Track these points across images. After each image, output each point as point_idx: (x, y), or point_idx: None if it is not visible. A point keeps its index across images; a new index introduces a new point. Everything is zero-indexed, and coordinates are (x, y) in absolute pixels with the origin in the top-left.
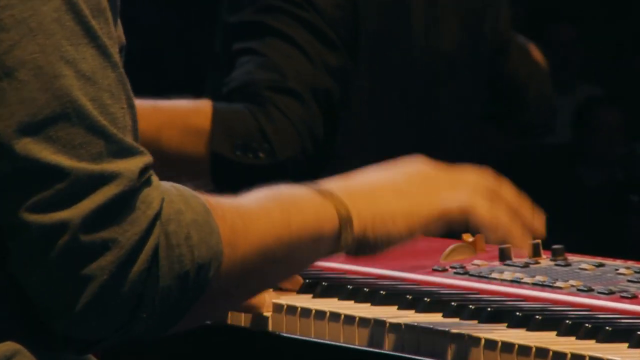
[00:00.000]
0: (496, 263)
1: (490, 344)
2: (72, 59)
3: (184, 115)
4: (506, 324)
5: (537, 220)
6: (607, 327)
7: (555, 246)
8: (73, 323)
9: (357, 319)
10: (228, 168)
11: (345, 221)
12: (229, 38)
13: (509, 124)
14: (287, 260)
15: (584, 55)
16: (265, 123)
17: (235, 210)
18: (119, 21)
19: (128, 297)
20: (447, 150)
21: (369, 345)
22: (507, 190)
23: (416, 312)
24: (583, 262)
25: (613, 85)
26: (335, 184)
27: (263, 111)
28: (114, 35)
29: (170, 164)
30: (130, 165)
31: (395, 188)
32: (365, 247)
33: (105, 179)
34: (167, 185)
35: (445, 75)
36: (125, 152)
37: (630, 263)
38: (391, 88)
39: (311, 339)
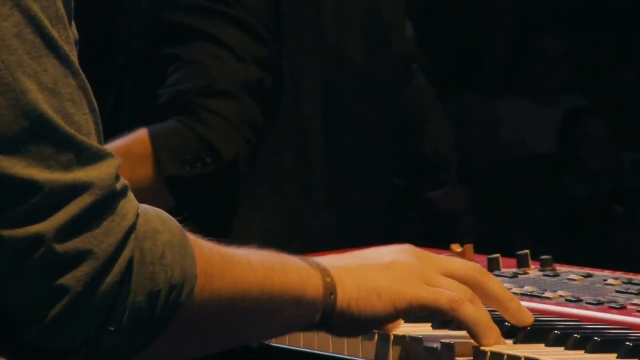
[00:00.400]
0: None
1: (480, 355)
2: (35, 73)
3: (126, 150)
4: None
5: (525, 314)
6: (596, 338)
7: (543, 257)
8: (44, 333)
9: None
10: (185, 185)
11: (329, 290)
12: (153, 38)
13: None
14: (266, 314)
15: (570, 65)
16: (203, 130)
17: (216, 249)
18: (72, 15)
19: (99, 308)
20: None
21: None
22: (494, 284)
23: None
24: (571, 273)
25: (599, 95)
26: (324, 259)
27: (197, 119)
28: (72, 39)
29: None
30: (102, 173)
31: (382, 267)
32: (349, 321)
33: (78, 189)
34: (145, 206)
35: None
36: (94, 157)
37: (618, 274)
38: (310, 76)
39: None
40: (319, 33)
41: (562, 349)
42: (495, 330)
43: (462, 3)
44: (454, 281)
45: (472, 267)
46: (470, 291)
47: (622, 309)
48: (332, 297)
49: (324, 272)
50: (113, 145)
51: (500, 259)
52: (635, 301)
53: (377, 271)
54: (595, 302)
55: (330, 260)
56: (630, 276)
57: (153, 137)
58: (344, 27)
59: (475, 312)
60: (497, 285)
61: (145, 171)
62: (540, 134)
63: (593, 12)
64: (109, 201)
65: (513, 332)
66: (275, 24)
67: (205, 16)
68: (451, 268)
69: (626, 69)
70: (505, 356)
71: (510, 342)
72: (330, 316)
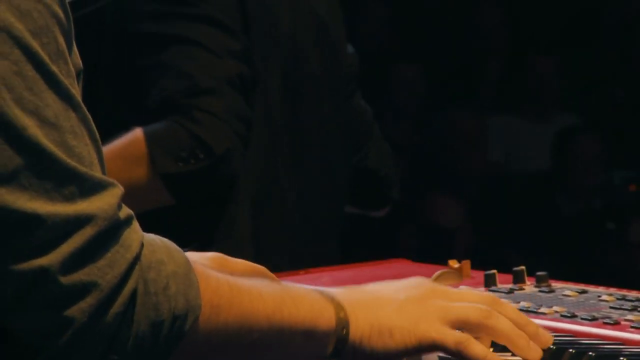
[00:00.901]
0: (482, 289)
1: None
2: (35, 108)
3: (122, 150)
4: (492, 349)
5: (543, 336)
6: (591, 353)
7: (539, 273)
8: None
9: None
10: (180, 182)
11: (342, 325)
12: (123, 51)
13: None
14: (274, 346)
15: (563, 85)
16: (193, 127)
17: (225, 280)
18: (74, 47)
19: (103, 338)
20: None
21: None
22: (509, 311)
23: None
24: (566, 289)
25: (591, 114)
26: (338, 291)
27: (188, 118)
28: (72, 72)
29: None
30: (104, 203)
31: (396, 304)
32: (361, 355)
33: (81, 221)
34: (151, 235)
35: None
36: (96, 187)
37: (612, 290)
38: (274, 69)
39: None
40: (279, 34)
41: None
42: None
43: (459, 24)
44: (466, 306)
45: (487, 295)
46: (485, 309)
47: (616, 324)
48: (345, 332)
49: (338, 306)
50: (108, 147)
51: (497, 275)
52: (629, 317)
53: (391, 308)
54: (589, 318)
55: (346, 293)
56: (624, 292)
57: (147, 136)
58: (300, 31)
59: (482, 350)
60: (513, 310)
61: (141, 170)
62: (533, 151)
63: (585, 33)
64: (112, 231)
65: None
66: (242, 17)
67: (171, 20)
68: (466, 296)
69: (616, 89)
70: None
71: (508, 354)
72: (342, 350)
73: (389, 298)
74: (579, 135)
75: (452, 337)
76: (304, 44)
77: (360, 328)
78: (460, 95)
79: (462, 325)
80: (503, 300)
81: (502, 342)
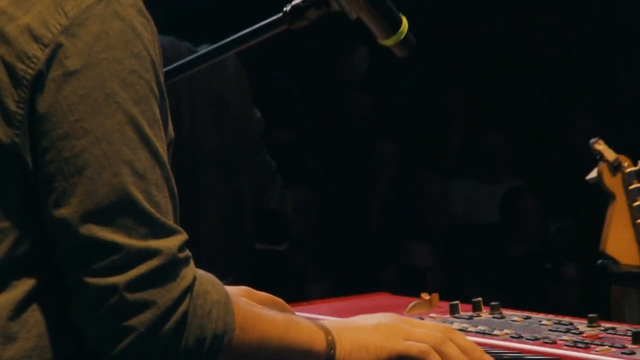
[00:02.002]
0: (447, 316)
1: None
2: (129, 160)
3: None
4: None
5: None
6: None
7: (492, 303)
8: None
9: None
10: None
11: (330, 346)
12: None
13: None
14: (283, 357)
15: (510, 154)
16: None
17: (250, 309)
18: (169, 120)
19: (157, 347)
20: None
21: None
22: (459, 339)
23: None
24: (514, 315)
25: (532, 178)
26: (327, 321)
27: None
28: (164, 138)
29: None
30: (170, 243)
31: (370, 327)
32: None
33: (150, 254)
34: (201, 271)
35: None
36: (166, 232)
37: (550, 316)
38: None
39: None
40: (179, 115)
41: None
42: None
43: (428, 106)
44: (427, 332)
45: (442, 325)
46: (441, 337)
47: (553, 343)
48: (332, 351)
49: (327, 332)
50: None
51: (459, 305)
52: (564, 337)
53: (366, 331)
54: (532, 338)
55: (333, 322)
56: (559, 318)
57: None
58: (198, 110)
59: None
60: (463, 339)
61: None
62: (487, 207)
63: (527, 112)
64: (172, 266)
65: None
66: None
67: None
68: (426, 325)
69: (552, 158)
70: None
71: None
72: None
73: (365, 324)
74: (522, 195)
75: (415, 348)
76: (202, 120)
77: (344, 347)
78: (428, 162)
79: None
80: (456, 330)
81: None
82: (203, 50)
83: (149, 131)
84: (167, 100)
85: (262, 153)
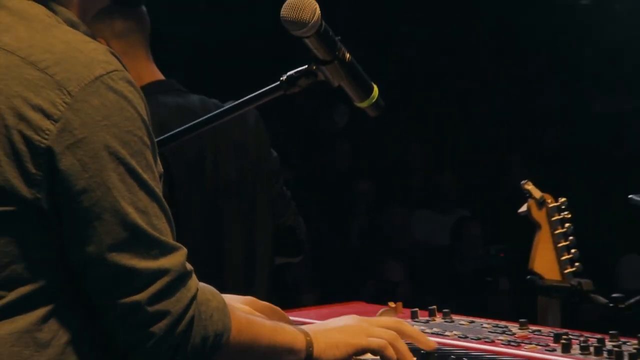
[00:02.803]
0: (409, 320)
1: None
2: (132, 202)
3: None
4: (415, 358)
5: (429, 342)
6: None
7: (444, 310)
8: (140, 359)
9: None
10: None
11: (309, 345)
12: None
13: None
14: (271, 354)
15: (459, 191)
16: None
17: (244, 316)
18: (158, 159)
19: (172, 346)
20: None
21: None
22: (407, 327)
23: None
24: (462, 320)
25: (476, 210)
26: (306, 326)
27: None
28: (157, 176)
29: None
30: (176, 261)
31: (338, 329)
32: None
33: (162, 272)
34: (203, 284)
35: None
36: (170, 249)
37: (490, 321)
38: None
39: None
40: (204, 159)
41: None
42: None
43: (393, 156)
44: (384, 330)
45: (393, 319)
46: (395, 334)
47: (492, 342)
48: (310, 349)
49: (306, 334)
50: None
51: (419, 311)
52: (500, 337)
53: (336, 332)
54: (476, 338)
55: (310, 327)
56: (497, 322)
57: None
58: (221, 153)
59: (392, 354)
60: (409, 327)
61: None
62: (441, 232)
63: (475, 159)
64: (180, 279)
65: (426, 357)
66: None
67: None
68: (381, 322)
69: (493, 194)
70: None
71: None
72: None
73: (334, 326)
74: (468, 223)
75: (375, 343)
76: (225, 161)
77: (320, 346)
78: (395, 197)
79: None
80: (403, 321)
81: (408, 339)
82: (220, 109)
83: (144, 176)
84: (155, 142)
85: (279, 184)
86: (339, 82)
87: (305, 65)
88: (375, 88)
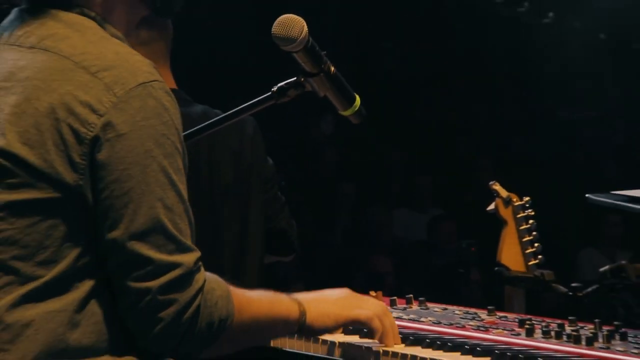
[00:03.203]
0: (389, 308)
1: (380, 353)
2: (161, 197)
3: None
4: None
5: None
6: (449, 343)
7: (420, 298)
8: (150, 343)
9: None
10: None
11: (302, 314)
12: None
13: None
14: (269, 327)
15: (434, 192)
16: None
17: (243, 294)
18: (186, 165)
19: (180, 331)
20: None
21: None
22: (388, 317)
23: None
24: (436, 307)
25: (450, 209)
26: (300, 295)
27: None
28: (185, 180)
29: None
30: (188, 259)
31: (331, 300)
32: (314, 330)
33: (174, 266)
34: (209, 273)
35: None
36: (186, 249)
37: (461, 308)
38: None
39: None
40: (199, 162)
41: (430, 349)
42: (395, 338)
43: (374, 157)
44: (372, 304)
45: (381, 303)
46: (383, 308)
47: (463, 327)
48: (303, 318)
49: (299, 304)
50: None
51: (397, 299)
52: (470, 323)
53: (328, 303)
54: (448, 324)
55: (303, 296)
56: (468, 309)
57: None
58: (216, 158)
59: (380, 325)
60: (392, 322)
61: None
62: (418, 229)
63: (448, 163)
64: (189, 275)
65: (404, 340)
66: None
67: None
68: (370, 300)
69: (464, 194)
70: (399, 354)
71: (402, 345)
72: (302, 328)
73: (327, 297)
74: (442, 220)
75: (363, 315)
76: (220, 165)
77: (312, 315)
78: (377, 198)
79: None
80: (389, 310)
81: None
82: (216, 117)
83: (175, 177)
84: (186, 150)
85: (274, 189)
86: (325, 93)
87: (294, 77)
88: (358, 98)
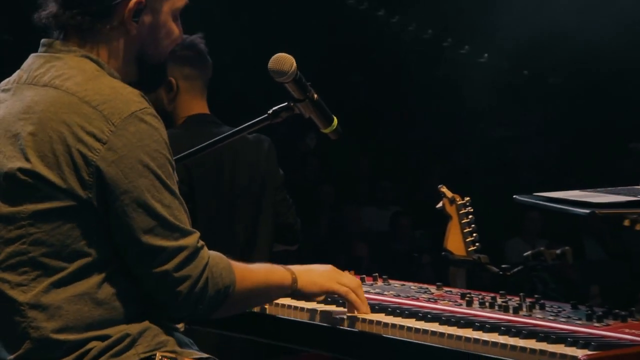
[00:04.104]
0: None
1: (355, 318)
2: (159, 199)
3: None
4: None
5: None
6: (406, 312)
7: (384, 276)
8: (173, 311)
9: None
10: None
11: (294, 281)
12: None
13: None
14: (266, 291)
15: (395, 193)
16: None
17: (244, 267)
18: (175, 170)
19: (194, 300)
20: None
21: None
22: (361, 291)
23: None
24: (396, 284)
25: (407, 206)
26: (294, 267)
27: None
28: (175, 181)
29: None
30: (191, 240)
31: (318, 272)
32: (303, 294)
33: (182, 248)
34: (212, 251)
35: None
36: (187, 233)
37: (416, 284)
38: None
39: None
40: (222, 170)
41: (391, 316)
42: (365, 307)
43: (348, 164)
44: (350, 280)
45: (357, 280)
46: (358, 283)
47: (417, 299)
48: (295, 284)
49: (292, 273)
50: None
51: (365, 277)
52: (423, 296)
53: (315, 274)
54: (405, 296)
55: (295, 267)
56: (420, 285)
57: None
58: (237, 170)
59: (355, 297)
60: (364, 297)
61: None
62: (381, 222)
63: (405, 169)
64: (195, 253)
65: (372, 309)
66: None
67: None
68: (348, 277)
69: (417, 194)
70: (367, 320)
71: (371, 313)
72: (294, 292)
73: (315, 269)
74: (401, 215)
75: (343, 288)
76: (239, 172)
77: (302, 282)
78: (350, 198)
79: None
80: (361, 285)
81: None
82: (222, 135)
83: (168, 181)
84: (173, 160)
85: (283, 193)
86: (309, 115)
87: (284, 102)
88: (335, 119)
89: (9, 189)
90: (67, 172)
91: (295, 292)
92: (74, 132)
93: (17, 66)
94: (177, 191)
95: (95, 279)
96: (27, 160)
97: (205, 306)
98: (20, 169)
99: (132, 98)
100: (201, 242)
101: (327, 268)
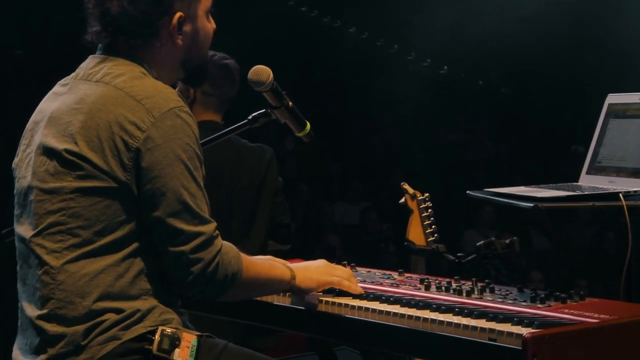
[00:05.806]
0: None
1: (348, 306)
2: (186, 187)
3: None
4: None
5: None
6: (372, 295)
7: (352, 264)
8: (184, 289)
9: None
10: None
11: (292, 277)
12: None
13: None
14: (268, 283)
15: (363, 191)
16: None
17: (249, 259)
18: (203, 165)
19: (204, 281)
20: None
21: None
22: (353, 281)
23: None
24: (363, 270)
25: (374, 202)
26: (292, 264)
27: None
28: (202, 174)
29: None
30: (209, 228)
31: (312, 267)
32: (301, 289)
33: (200, 234)
34: (225, 241)
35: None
36: (207, 222)
37: (381, 271)
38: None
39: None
40: (222, 172)
41: (358, 299)
42: (358, 291)
43: (320, 166)
44: (341, 271)
45: (348, 271)
46: (349, 273)
47: (381, 284)
48: (294, 280)
49: (291, 270)
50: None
51: (356, 267)
52: (387, 281)
53: (310, 270)
54: (371, 282)
55: (294, 265)
56: (384, 271)
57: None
58: (235, 172)
59: (348, 284)
60: (357, 285)
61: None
62: (352, 216)
63: (374, 171)
64: (210, 239)
65: (340, 294)
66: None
67: None
68: (340, 268)
69: (383, 192)
70: (336, 302)
71: (339, 297)
72: (293, 288)
73: (310, 266)
74: (369, 210)
75: (336, 280)
76: (239, 176)
77: (299, 278)
78: (324, 195)
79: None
80: (353, 274)
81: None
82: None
83: (195, 173)
84: (202, 156)
85: (280, 197)
86: (285, 120)
87: (263, 109)
88: (308, 124)
89: (57, 167)
90: (109, 156)
91: (294, 288)
92: (118, 121)
93: (30, 79)
94: (202, 183)
95: (121, 254)
96: (75, 143)
97: (213, 288)
98: (66, 150)
99: (171, 96)
100: (217, 232)
101: (321, 263)
